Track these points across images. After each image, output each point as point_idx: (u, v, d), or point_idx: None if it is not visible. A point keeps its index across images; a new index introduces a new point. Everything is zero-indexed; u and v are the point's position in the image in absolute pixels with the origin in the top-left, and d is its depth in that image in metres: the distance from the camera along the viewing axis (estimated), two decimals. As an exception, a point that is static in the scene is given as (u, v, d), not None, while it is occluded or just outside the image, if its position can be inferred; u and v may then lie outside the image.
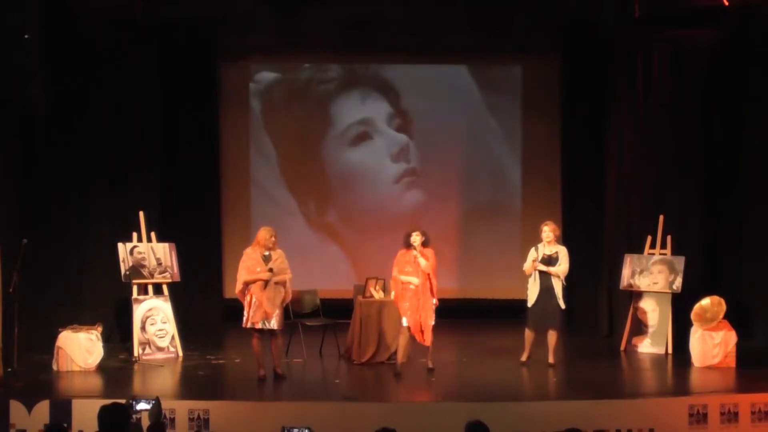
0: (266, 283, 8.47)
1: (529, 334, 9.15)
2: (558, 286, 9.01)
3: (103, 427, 5.27)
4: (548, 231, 9.12)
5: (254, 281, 8.47)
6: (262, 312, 8.44)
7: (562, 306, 9.01)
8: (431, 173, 12.23)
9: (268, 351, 8.66)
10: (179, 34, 11.05)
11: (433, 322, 8.84)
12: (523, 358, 9.15)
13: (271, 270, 8.46)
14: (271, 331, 8.55)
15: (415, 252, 8.76)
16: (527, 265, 9.11)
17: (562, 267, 9.03)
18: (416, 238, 8.80)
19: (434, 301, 8.86)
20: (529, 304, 9.08)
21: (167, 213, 10.88)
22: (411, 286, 8.76)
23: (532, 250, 9.14)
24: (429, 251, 8.85)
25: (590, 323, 11.24)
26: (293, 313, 9.53)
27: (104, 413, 5.33)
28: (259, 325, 8.47)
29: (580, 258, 11.39)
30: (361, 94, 12.21)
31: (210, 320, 11.41)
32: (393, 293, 8.95)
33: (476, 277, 11.98)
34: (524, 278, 9.22)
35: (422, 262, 8.75)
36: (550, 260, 9.04)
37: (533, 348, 9.13)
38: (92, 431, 5.57)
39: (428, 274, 8.79)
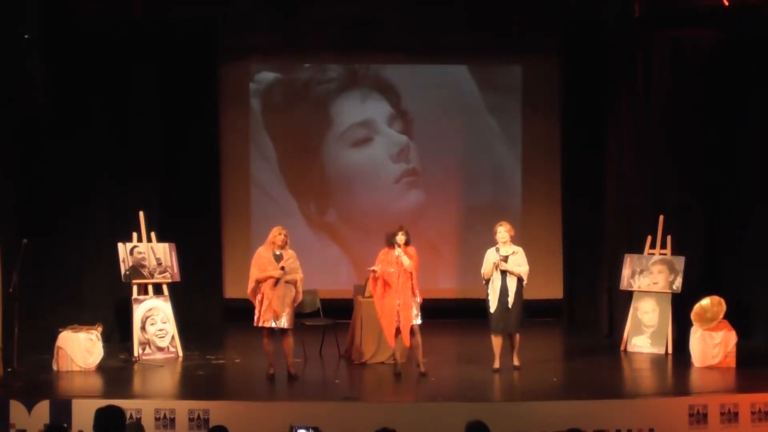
0: (277, 281, 8.51)
1: (496, 341, 8.91)
2: (513, 288, 8.77)
3: (99, 429, 5.27)
4: (503, 232, 8.85)
5: (265, 279, 8.52)
6: (272, 311, 8.49)
7: (514, 307, 8.74)
8: (431, 173, 12.22)
9: (278, 350, 8.68)
10: (179, 34, 11.05)
11: (419, 322, 8.74)
12: (496, 365, 8.90)
13: (282, 268, 8.51)
14: (282, 330, 8.59)
15: (398, 251, 8.70)
16: (486, 269, 8.85)
17: (524, 268, 8.78)
18: (401, 237, 8.73)
19: (418, 299, 8.77)
20: (491, 309, 8.84)
21: (167, 213, 10.87)
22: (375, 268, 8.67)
23: (489, 253, 8.88)
24: (411, 250, 8.79)
25: (590, 323, 11.24)
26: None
27: (101, 415, 5.32)
28: (270, 324, 8.51)
29: (581, 258, 11.47)
30: (361, 95, 12.18)
31: (210, 320, 11.40)
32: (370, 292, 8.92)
33: (476, 277, 11.89)
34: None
35: (405, 261, 8.67)
36: (507, 262, 8.80)
37: (503, 353, 8.93)
38: None
39: (411, 273, 8.72)
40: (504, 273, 8.84)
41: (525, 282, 8.84)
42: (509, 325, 8.84)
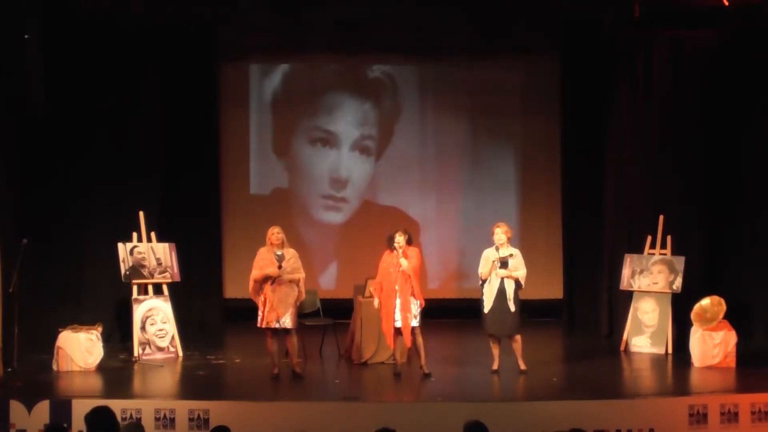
0: (274, 281, 8.51)
1: (493, 343, 8.88)
2: (511, 290, 8.68)
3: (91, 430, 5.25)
4: (500, 233, 8.74)
5: (261, 278, 8.52)
6: (275, 312, 8.51)
7: (512, 309, 8.65)
8: (431, 174, 12.22)
9: (282, 350, 8.71)
10: (179, 33, 11.04)
11: (415, 324, 8.68)
12: (495, 366, 8.87)
13: (280, 267, 8.51)
14: (286, 330, 8.60)
15: (398, 253, 8.65)
16: (484, 269, 8.75)
17: (521, 272, 8.69)
18: (400, 239, 8.69)
19: (418, 302, 8.72)
20: (486, 310, 8.76)
21: (167, 213, 10.87)
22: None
23: (487, 252, 8.78)
24: (413, 250, 8.78)
25: (590, 323, 11.25)
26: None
27: (90, 419, 5.29)
28: (273, 325, 8.53)
29: (580, 258, 11.46)
30: (361, 96, 12.20)
31: (210, 320, 11.41)
32: (376, 300, 8.86)
33: (476, 278, 11.94)
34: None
35: (403, 262, 8.64)
36: (504, 263, 8.71)
37: (502, 354, 8.89)
38: None
39: (409, 275, 8.67)
40: None
41: (522, 285, 8.77)
42: (507, 328, 8.77)
